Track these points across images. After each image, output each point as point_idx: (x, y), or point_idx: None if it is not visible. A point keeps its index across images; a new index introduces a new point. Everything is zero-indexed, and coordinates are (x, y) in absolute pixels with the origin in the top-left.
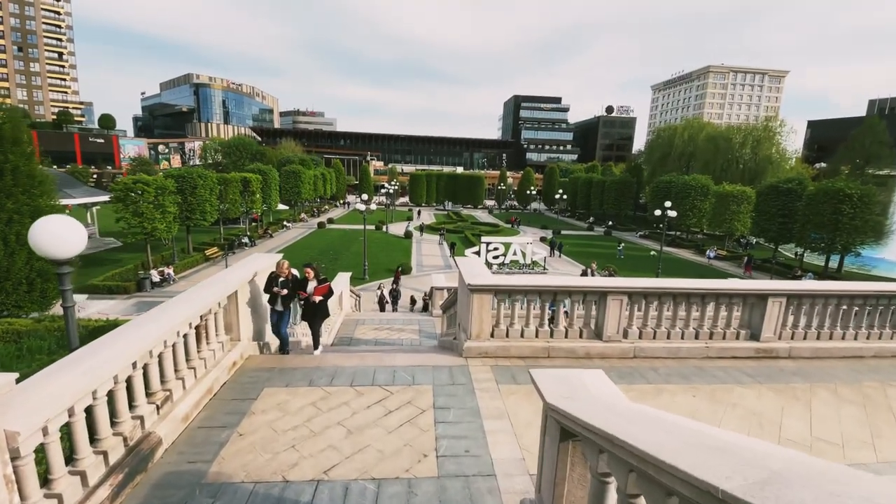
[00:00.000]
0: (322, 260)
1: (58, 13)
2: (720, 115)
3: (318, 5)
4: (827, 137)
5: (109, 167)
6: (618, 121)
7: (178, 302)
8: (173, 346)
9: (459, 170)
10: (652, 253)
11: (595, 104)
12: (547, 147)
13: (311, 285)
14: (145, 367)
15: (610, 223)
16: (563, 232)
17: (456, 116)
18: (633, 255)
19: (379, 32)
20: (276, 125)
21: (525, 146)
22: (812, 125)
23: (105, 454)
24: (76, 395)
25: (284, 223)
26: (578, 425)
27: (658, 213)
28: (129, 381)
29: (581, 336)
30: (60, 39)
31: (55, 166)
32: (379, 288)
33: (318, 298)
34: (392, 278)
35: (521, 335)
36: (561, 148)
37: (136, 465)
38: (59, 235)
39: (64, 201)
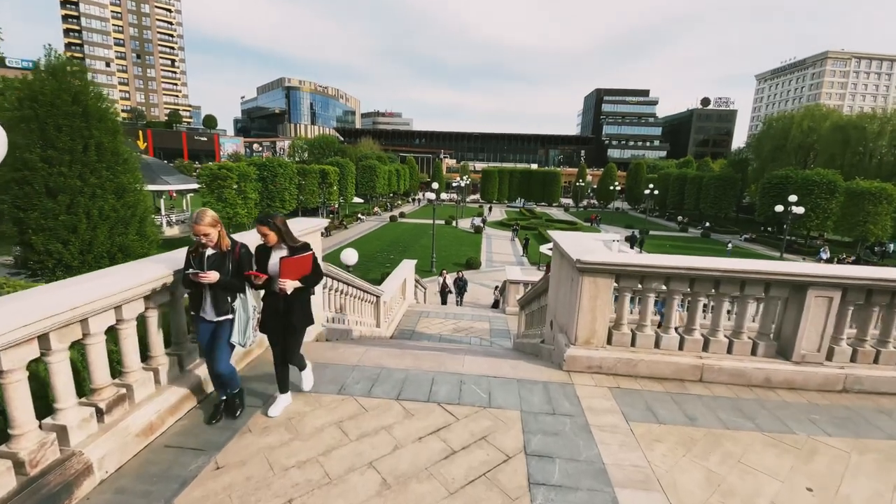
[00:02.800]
0: (391, 251)
1: (170, 23)
2: (840, 106)
3: (401, 14)
4: None
5: (210, 163)
6: (714, 114)
7: (159, 258)
8: (140, 317)
9: (534, 167)
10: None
11: (685, 100)
12: (631, 143)
13: (276, 257)
14: (85, 348)
15: (707, 224)
16: (652, 232)
17: (531, 116)
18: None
19: (459, 38)
20: (358, 125)
21: (606, 142)
22: None
23: None
24: None
25: (359, 215)
26: None
27: (779, 208)
28: (42, 365)
29: (755, 351)
30: (173, 48)
31: (166, 161)
32: (442, 274)
33: (290, 285)
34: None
35: (656, 344)
36: (647, 144)
37: None
38: None
39: (160, 187)
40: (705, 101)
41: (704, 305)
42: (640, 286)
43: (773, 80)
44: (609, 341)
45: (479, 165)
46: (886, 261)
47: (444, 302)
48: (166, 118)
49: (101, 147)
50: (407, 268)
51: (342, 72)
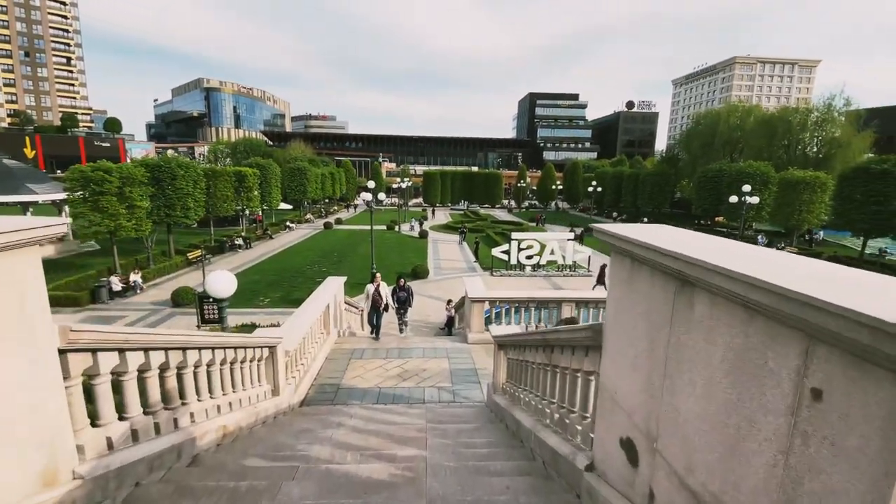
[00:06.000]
0: (323, 263)
1: (65, 17)
2: None
3: (339, 19)
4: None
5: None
6: (639, 116)
7: None
8: None
9: (474, 169)
10: None
11: (611, 106)
12: (564, 145)
13: None
14: None
15: (645, 220)
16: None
17: (469, 122)
18: None
19: (394, 43)
20: (288, 129)
21: (541, 145)
22: (874, 114)
23: None
24: None
25: (287, 224)
26: None
27: (734, 199)
28: None
29: None
30: (68, 44)
31: (59, 170)
32: (373, 281)
33: None
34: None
35: None
36: (579, 146)
37: None
38: None
39: (24, 197)
40: (630, 105)
41: None
42: None
43: (687, 84)
44: None
45: (420, 169)
46: (818, 248)
47: (376, 328)
48: (61, 122)
49: None
50: (331, 288)
51: (274, 76)
